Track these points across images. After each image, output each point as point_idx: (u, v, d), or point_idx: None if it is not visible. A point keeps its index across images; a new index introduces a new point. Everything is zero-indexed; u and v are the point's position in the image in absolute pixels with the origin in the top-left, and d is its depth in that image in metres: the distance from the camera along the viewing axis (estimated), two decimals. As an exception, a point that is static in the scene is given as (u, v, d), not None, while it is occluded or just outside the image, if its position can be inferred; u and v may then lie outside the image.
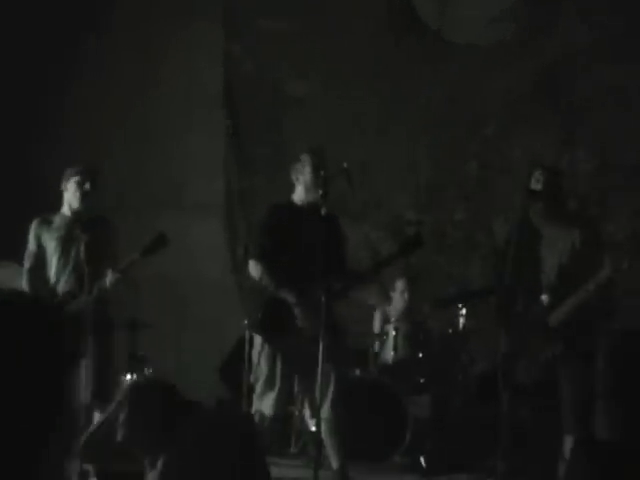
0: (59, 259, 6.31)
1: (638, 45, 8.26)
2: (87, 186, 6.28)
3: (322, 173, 5.96)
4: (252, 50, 9.16)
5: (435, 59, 8.85)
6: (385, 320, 7.81)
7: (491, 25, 8.73)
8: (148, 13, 9.11)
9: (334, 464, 5.93)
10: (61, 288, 6.31)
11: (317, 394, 5.75)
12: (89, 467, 5.77)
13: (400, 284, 7.79)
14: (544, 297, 5.81)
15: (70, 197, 6.34)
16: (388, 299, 7.85)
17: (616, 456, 4.37)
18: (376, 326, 7.87)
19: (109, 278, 6.10)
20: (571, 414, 5.61)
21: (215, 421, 5.74)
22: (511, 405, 5.64)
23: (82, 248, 6.20)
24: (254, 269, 5.98)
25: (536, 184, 5.88)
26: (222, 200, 9.20)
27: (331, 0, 9.03)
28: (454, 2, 8.86)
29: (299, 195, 6.10)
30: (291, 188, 6.18)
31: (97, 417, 6.18)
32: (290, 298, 5.85)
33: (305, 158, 6.10)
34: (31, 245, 6.38)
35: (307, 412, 6.19)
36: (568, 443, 5.60)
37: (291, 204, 6.12)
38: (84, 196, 6.28)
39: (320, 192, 5.97)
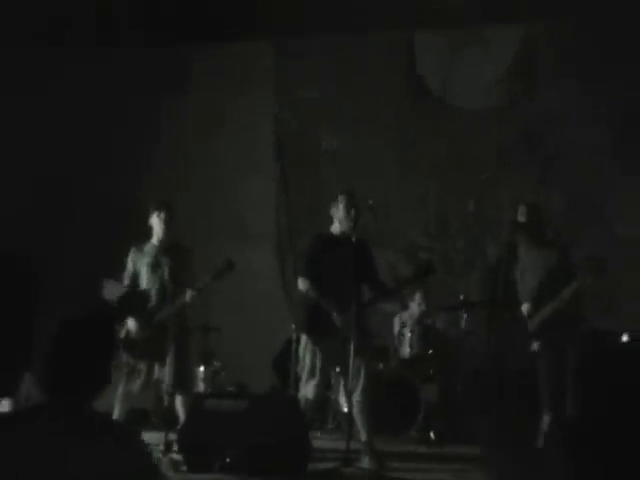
0: (149, 279, 6.40)
1: (593, 108, 8.35)
2: (162, 215, 6.38)
3: (353, 211, 6.09)
4: (296, 113, 9.28)
5: (441, 118, 8.89)
6: (402, 324, 7.90)
7: (484, 92, 8.80)
8: (217, 83, 9.29)
9: (363, 437, 5.97)
10: (151, 301, 6.40)
11: (349, 383, 5.86)
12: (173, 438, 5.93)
13: (418, 296, 7.83)
14: (525, 306, 5.88)
15: (155, 228, 6.44)
16: (405, 307, 7.95)
17: (582, 430, 4.46)
18: (395, 329, 7.94)
19: (188, 295, 6.25)
20: (548, 397, 5.65)
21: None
22: (502, 391, 5.71)
23: (166, 271, 6.37)
24: (302, 284, 6.06)
25: (521, 217, 5.97)
26: (273, 231, 9.29)
27: (357, 73, 9.11)
28: (456, 74, 8.93)
29: (335, 227, 6.23)
30: (326, 223, 6.29)
31: (179, 401, 6.33)
32: (330, 307, 5.93)
33: (340, 199, 6.20)
34: (129, 267, 6.47)
35: (342, 397, 6.23)
36: (545, 420, 5.65)
37: (330, 234, 6.22)
38: (165, 226, 6.38)
39: (352, 224, 6.10)
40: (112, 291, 6.58)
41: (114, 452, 2.36)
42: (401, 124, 8.97)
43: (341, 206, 6.10)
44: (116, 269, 6.57)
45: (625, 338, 6.58)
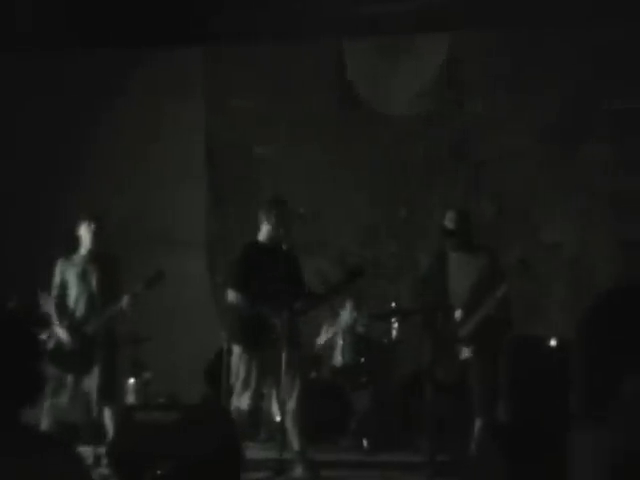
0: (77, 288, 6.34)
1: (521, 116, 8.49)
2: (93, 225, 6.34)
3: (283, 218, 6.05)
4: (228, 121, 9.22)
5: (372, 126, 8.92)
6: (334, 333, 7.86)
7: (414, 100, 8.87)
8: (148, 90, 9.19)
9: (296, 446, 5.95)
10: (79, 311, 6.34)
11: (283, 392, 5.83)
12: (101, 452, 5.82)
13: (349, 305, 7.85)
14: (457, 312, 5.91)
15: (83, 239, 6.39)
16: (336, 315, 7.91)
17: (513, 435, 4.52)
18: (327, 337, 7.91)
19: (125, 301, 6.15)
20: (480, 402, 5.70)
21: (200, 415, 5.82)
22: (433, 398, 5.73)
23: (94, 280, 6.28)
24: (232, 295, 6.01)
25: (450, 223, 6.00)
26: (203, 239, 9.23)
27: (288, 83, 9.11)
28: (386, 83, 8.98)
29: (264, 234, 6.15)
30: (257, 230, 6.23)
31: (107, 414, 6.23)
32: (267, 313, 5.87)
33: (270, 206, 6.16)
34: (56, 278, 6.40)
35: (274, 406, 6.19)
36: (478, 424, 5.69)
37: (258, 243, 6.16)
38: (93, 236, 6.33)
39: (282, 232, 6.06)
40: (48, 303, 6.47)
41: (51, 463, 2.29)
42: (332, 132, 8.98)
43: (271, 213, 6.06)
44: (42, 279, 6.47)
45: (553, 343, 6.69)
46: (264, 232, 6.11)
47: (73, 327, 6.26)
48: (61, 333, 6.23)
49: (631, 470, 1.38)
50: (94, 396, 6.21)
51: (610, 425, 1.37)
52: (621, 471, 1.37)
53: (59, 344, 6.24)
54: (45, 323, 6.51)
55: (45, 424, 6.14)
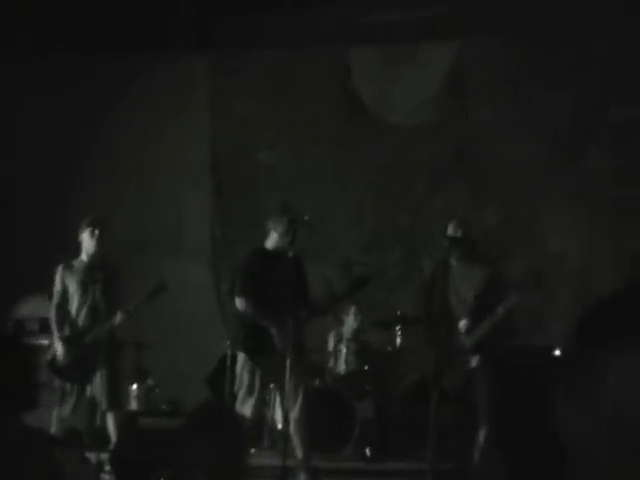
0: (80, 297, 6.31)
1: (525, 125, 8.50)
2: (97, 232, 6.30)
3: (293, 226, 6.06)
4: (232, 128, 9.24)
5: (376, 134, 8.94)
6: (338, 340, 7.88)
7: (419, 109, 8.90)
8: (152, 97, 9.21)
9: (299, 454, 5.95)
10: (81, 320, 6.33)
11: (286, 399, 5.84)
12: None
13: (352, 310, 7.87)
14: (462, 322, 5.92)
15: (86, 245, 6.36)
16: (340, 321, 7.91)
17: (518, 444, 4.53)
18: (330, 345, 7.92)
19: (118, 317, 6.16)
20: (485, 411, 5.69)
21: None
22: (437, 406, 5.73)
23: (98, 289, 6.26)
24: (239, 303, 6.02)
25: (453, 232, 6.02)
26: (208, 245, 9.24)
27: (294, 88, 9.14)
28: (391, 91, 9.01)
29: (272, 242, 6.17)
30: (262, 237, 6.26)
31: (111, 420, 6.24)
32: (270, 326, 5.90)
33: (280, 213, 6.17)
34: (57, 285, 6.36)
35: (278, 414, 6.20)
36: (482, 433, 5.69)
37: (266, 250, 6.18)
38: (96, 241, 6.31)
39: (291, 239, 6.07)
40: (34, 306, 6.46)
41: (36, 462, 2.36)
42: (337, 139, 8.99)
43: (281, 221, 6.07)
44: (39, 285, 6.48)
45: (557, 353, 6.70)
46: (272, 240, 6.12)
47: (73, 337, 6.25)
48: (58, 346, 6.22)
49: None
50: (98, 402, 6.21)
51: None
52: None
53: (58, 354, 6.25)
54: (47, 329, 6.55)
55: (54, 432, 6.16)
